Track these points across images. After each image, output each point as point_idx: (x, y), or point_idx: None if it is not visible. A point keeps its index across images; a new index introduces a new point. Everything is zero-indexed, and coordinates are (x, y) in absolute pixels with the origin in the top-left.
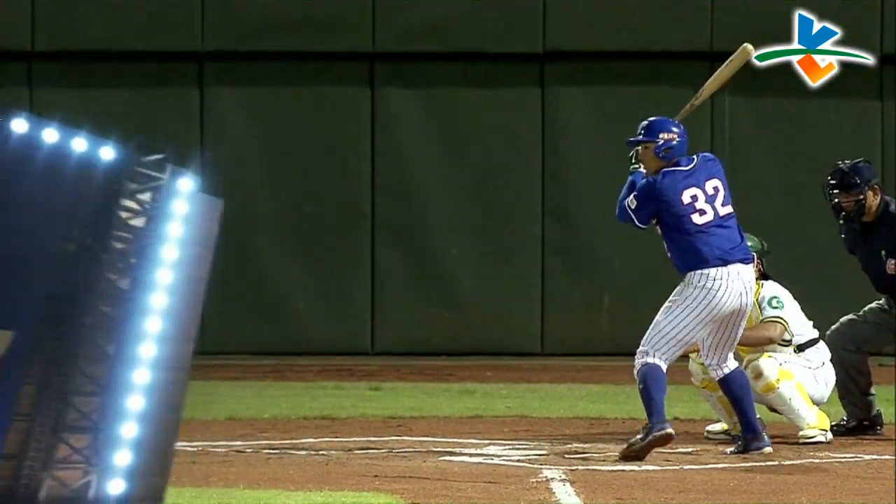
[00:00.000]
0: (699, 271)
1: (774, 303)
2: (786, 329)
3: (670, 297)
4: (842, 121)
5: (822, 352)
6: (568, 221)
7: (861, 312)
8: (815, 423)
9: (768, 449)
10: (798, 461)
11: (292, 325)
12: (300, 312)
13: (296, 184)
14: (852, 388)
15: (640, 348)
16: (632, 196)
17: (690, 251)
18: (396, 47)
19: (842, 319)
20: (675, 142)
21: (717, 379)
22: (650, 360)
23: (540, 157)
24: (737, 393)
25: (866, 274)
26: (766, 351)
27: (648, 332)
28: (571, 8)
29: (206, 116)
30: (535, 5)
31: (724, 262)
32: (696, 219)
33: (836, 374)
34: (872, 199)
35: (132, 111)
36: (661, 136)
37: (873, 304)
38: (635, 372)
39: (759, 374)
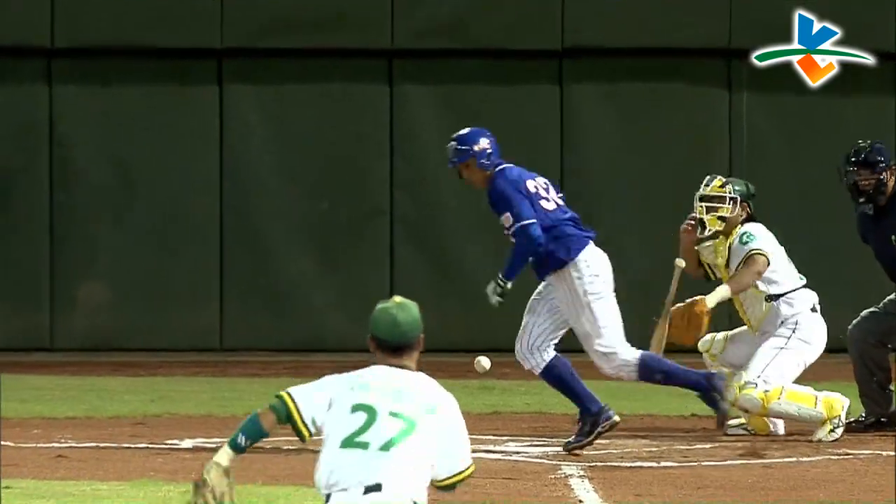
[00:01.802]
0: (579, 258)
1: (745, 238)
2: (767, 259)
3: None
4: (857, 117)
5: (798, 301)
6: (585, 217)
7: (881, 305)
8: (826, 416)
9: (616, 417)
10: (816, 457)
11: (310, 321)
12: (318, 309)
13: (314, 180)
14: (871, 384)
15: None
16: (506, 214)
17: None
18: (414, 44)
19: (862, 313)
20: (489, 149)
21: (538, 372)
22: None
23: (558, 153)
24: (561, 379)
25: (880, 262)
26: (742, 369)
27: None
28: (589, 5)
29: (225, 113)
30: (554, 2)
31: (589, 241)
32: (546, 205)
33: (857, 369)
34: (889, 181)
35: (151, 108)
36: (474, 147)
37: (892, 296)
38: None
39: (746, 410)
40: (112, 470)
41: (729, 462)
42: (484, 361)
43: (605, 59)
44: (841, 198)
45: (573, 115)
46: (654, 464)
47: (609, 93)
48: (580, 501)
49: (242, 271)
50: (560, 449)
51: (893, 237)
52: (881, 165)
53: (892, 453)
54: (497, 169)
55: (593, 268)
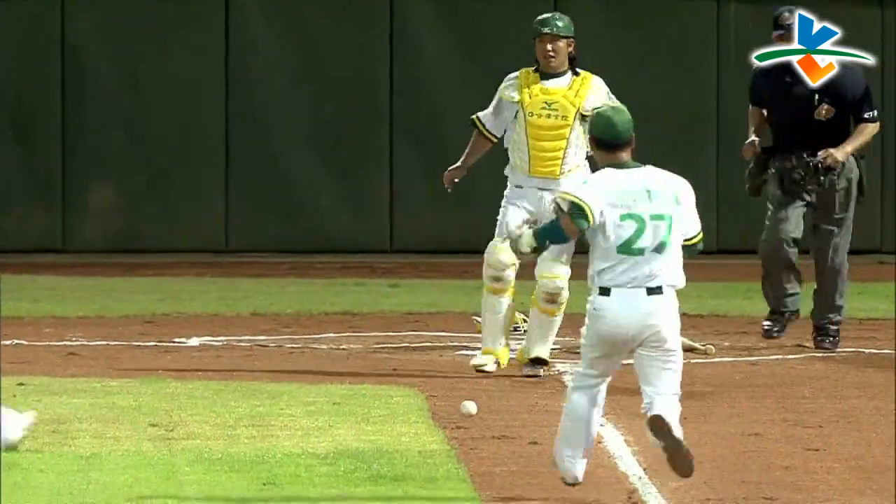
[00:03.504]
0: None
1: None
2: None
3: None
4: (843, 28)
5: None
6: None
7: (778, 194)
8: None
9: None
10: (800, 355)
11: (314, 223)
12: (322, 211)
13: (317, 86)
14: (784, 286)
15: None
16: None
17: None
18: None
19: (772, 216)
20: None
21: None
22: None
23: None
24: None
25: (783, 124)
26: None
27: None
28: None
29: (230, 19)
30: None
31: None
32: None
33: (774, 274)
34: None
35: (159, 14)
36: None
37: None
38: None
39: (553, 301)
40: (122, 367)
41: (717, 360)
42: (470, 407)
43: None
44: None
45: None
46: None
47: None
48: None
49: (247, 174)
50: (553, 347)
51: (816, 96)
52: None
53: (875, 351)
54: None
55: None
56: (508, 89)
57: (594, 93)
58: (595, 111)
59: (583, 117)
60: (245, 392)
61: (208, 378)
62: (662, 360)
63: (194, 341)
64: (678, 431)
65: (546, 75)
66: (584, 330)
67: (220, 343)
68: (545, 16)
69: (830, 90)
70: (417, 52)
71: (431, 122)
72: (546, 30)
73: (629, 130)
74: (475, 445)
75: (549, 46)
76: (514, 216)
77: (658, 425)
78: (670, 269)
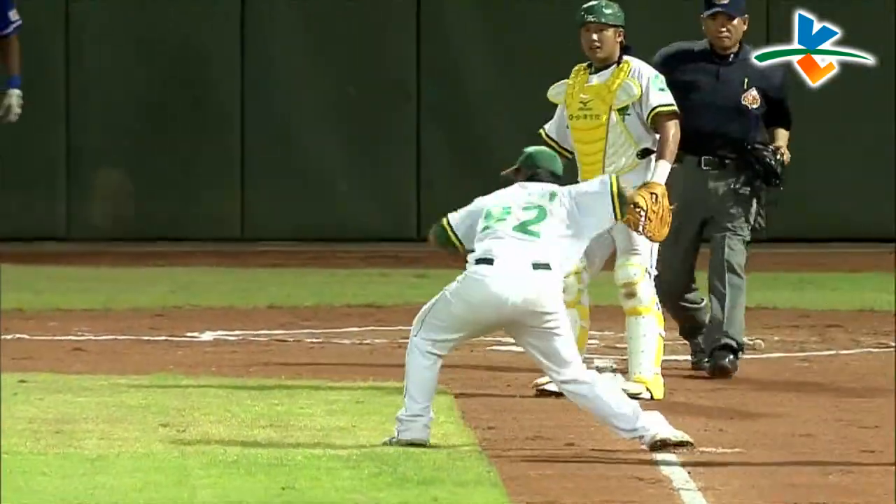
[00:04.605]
0: None
1: (661, 84)
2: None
3: None
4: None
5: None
6: None
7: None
8: (651, 379)
9: None
10: (856, 350)
11: (336, 209)
12: (344, 197)
13: (340, 65)
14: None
15: None
16: None
17: None
18: None
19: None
20: None
21: None
22: None
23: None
24: None
25: (700, 112)
26: (637, 252)
27: None
28: None
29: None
30: None
31: None
32: None
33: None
34: (742, 27)
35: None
36: None
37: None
38: None
39: (632, 294)
40: (130, 363)
41: (766, 355)
42: None
43: None
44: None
45: None
46: (689, 358)
47: None
48: None
49: (265, 158)
50: (591, 342)
51: (746, 80)
52: (742, 12)
53: None
54: None
55: None
56: (555, 89)
57: (624, 85)
58: None
59: (621, 111)
60: (262, 390)
61: (223, 375)
62: None
63: (208, 336)
64: None
65: (596, 69)
66: None
67: (236, 338)
68: (591, 3)
69: (762, 79)
70: (445, 30)
71: (460, 101)
72: (591, 17)
73: None
74: (508, 447)
75: (594, 36)
76: None
77: None
78: None
